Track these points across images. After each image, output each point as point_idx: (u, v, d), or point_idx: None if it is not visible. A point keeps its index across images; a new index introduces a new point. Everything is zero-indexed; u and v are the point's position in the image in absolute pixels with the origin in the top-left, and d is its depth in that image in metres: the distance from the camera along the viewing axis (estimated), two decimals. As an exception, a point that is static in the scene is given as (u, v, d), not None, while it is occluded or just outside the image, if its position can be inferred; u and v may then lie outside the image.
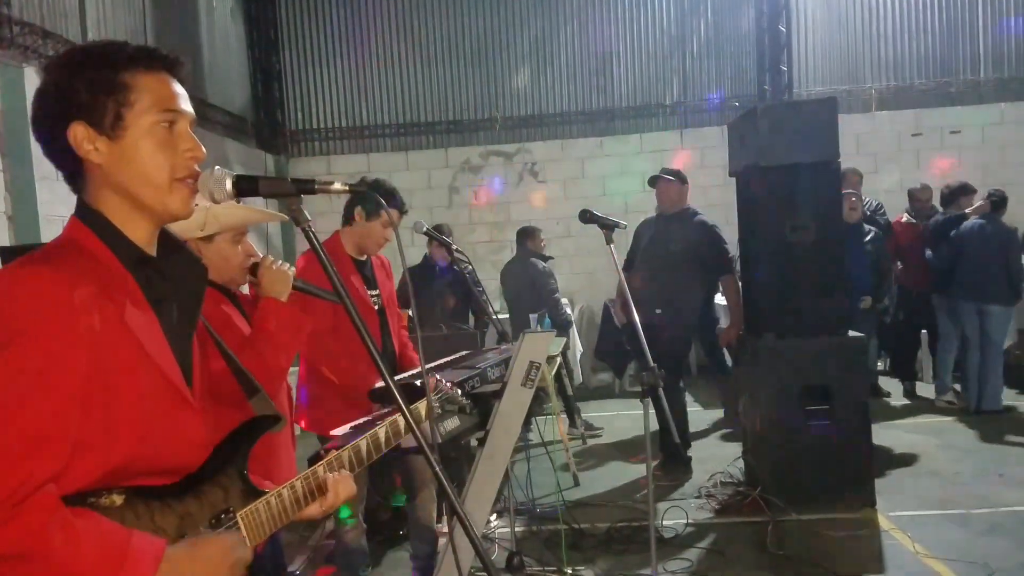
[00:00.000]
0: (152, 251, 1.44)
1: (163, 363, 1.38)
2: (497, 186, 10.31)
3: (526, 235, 7.38)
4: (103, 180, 1.39)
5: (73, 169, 1.39)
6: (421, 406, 2.07)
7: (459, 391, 2.27)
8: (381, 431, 1.82)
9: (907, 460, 5.82)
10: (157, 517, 1.37)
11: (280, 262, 2.52)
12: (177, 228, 2.50)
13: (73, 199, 1.43)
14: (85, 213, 1.40)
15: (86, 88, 1.34)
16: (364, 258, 3.67)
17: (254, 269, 2.46)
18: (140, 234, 1.41)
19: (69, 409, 1.25)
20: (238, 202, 2.20)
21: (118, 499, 1.33)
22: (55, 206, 5.38)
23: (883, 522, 4.65)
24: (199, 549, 1.38)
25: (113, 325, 1.31)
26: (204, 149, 1.44)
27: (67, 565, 1.23)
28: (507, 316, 7.20)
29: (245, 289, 2.70)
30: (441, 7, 10.32)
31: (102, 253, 1.37)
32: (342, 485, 1.67)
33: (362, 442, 1.77)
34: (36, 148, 1.41)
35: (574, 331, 8.08)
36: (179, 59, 1.42)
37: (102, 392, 1.29)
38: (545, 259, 7.30)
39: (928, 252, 7.30)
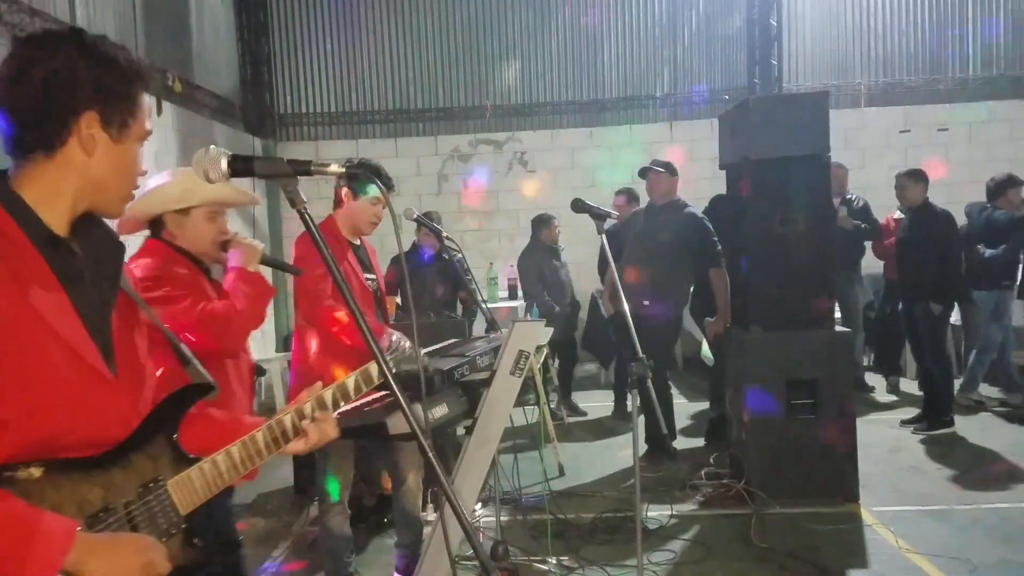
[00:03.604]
0: (63, 232, 1.45)
1: (75, 341, 1.39)
2: (484, 177, 10.29)
3: (540, 224, 7.49)
4: (73, 168, 1.42)
5: (45, 145, 1.39)
6: (372, 366, 1.97)
7: (406, 345, 2.27)
8: (350, 381, 1.77)
9: (890, 455, 5.85)
10: (81, 488, 1.37)
11: (250, 239, 2.71)
12: (155, 200, 2.52)
13: None
14: (3, 192, 1.40)
15: (111, 87, 1.42)
16: (359, 242, 3.68)
17: (225, 246, 2.64)
18: (60, 219, 1.44)
19: None
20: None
21: (36, 472, 1.32)
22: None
23: (866, 516, 4.68)
24: (117, 539, 1.38)
25: (18, 307, 1.32)
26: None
27: None
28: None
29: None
30: (432, -7, 10.27)
31: (13, 232, 1.37)
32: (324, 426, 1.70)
33: (327, 392, 1.72)
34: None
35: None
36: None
37: (13, 373, 1.30)
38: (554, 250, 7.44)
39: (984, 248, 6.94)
